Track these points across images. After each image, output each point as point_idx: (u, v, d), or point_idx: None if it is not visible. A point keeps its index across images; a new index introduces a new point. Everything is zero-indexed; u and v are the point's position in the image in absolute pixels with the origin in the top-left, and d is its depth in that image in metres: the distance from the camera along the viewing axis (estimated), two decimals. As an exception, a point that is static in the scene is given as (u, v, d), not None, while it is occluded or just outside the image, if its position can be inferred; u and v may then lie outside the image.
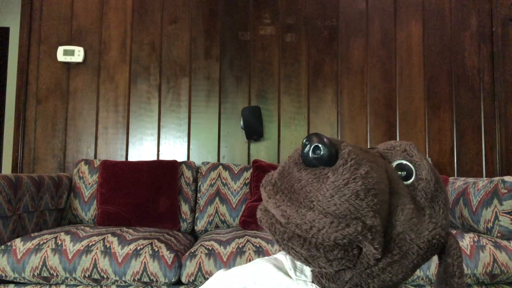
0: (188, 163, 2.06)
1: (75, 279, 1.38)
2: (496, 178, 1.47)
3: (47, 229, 1.70)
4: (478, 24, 2.40)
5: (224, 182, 1.99)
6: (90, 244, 1.40)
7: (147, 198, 1.85)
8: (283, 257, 0.64)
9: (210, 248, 1.42)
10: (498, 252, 1.38)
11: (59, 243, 1.40)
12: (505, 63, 2.37)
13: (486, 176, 2.32)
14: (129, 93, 2.29)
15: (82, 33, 2.31)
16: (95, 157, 2.25)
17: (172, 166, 1.97)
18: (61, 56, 2.26)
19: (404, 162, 0.56)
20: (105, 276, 1.37)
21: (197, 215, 1.97)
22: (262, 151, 2.29)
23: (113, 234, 1.47)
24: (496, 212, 1.44)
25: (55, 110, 2.27)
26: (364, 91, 2.35)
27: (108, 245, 1.40)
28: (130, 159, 2.26)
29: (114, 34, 2.32)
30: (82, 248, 1.39)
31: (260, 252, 1.40)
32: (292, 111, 2.32)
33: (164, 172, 1.93)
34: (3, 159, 3.43)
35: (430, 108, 2.35)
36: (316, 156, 0.48)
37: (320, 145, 0.48)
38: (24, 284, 1.42)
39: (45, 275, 1.37)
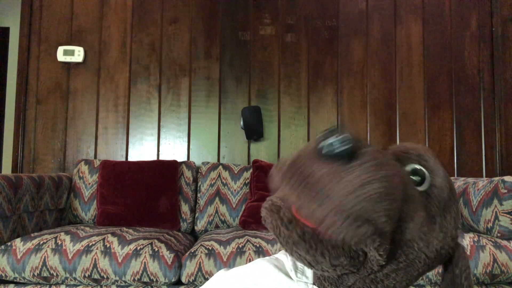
0: (188, 163, 2.06)
1: (75, 279, 1.38)
2: (496, 178, 1.47)
3: (47, 229, 1.70)
4: (478, 24, 2.40)
5: (224, 182, 1.99)
6: (90, 244, 1.40)
7: (147, 198, 1.85)
8: (284, 257, 0.64)
9: (210, 248, 1.42)
10: (498, 252, 1.38)
11: (59, 243, 1.40)
12: (505, 63, 2.37)
13: (486, 176, 2.32)
14: (129, 93, 2.29)
15: (82, 33, 2.31)
16: (95, 157, 2.26)
17: (172, 166, 1.97)
18: (61, 56, 2.26)
19: (419, 167, 0.53)
20: (105, 276, 1.37)
21: (197, 215, 1.97)
22: (262, 151, 2.29)
23: (113, 234, 1.47)
24: (496, 212, 1.44)
25: (55, 110, 2.27)
26: (364, 91, 2.35)
27: (108, 245, 1.40)
28: (130, 159, 2.26)
29: (114, 34, 2.32)
30: (82, 248, 1.39)
31: (260, 252, 1.40)
32: (292, 111, 2.32)
33: (164, 172, 1.93)
34: (3, 159, 3.43)
35: (430, 108, 2.35)
36: (340, 149, 0.45)
37: (345, 139, 0.45)
38: (24, 284, 1.42)
39: (45, 275, 1.37)
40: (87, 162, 2.03)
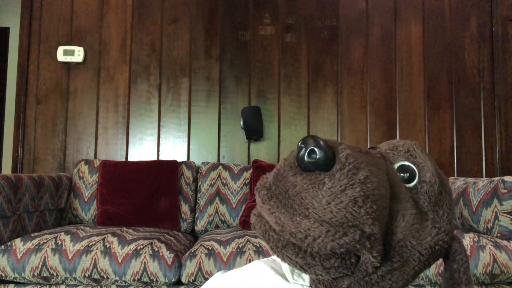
0: (188, 163, 2.06)
1: (75, 279, 1.38)
2: (496, 178, 1.47)
3: (47, 229, 1.70)
4: (478, 24, 2.40)
5: (224, 182, 1.99)
6: (90, 244, 1.40)
7: (147, 198, 1.85)
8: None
9: (210, 248, 1.42)
10: (498, 252, 1.38)
11: (59, 243, 1.40)
12: (505, 63, 2.37)
13: (486, 176, 2.32)
14: (129, 93, 2.29)
15: (82, 33, 2.31)
16: (95, 157, 2.25)
17: (172, 166, 1.97)
18: (61, 56, 2.26)
19: (407, 163, 0.52)
20: (105, 276, 1.37)
21: (197, 215, 1.97)
22: (262, 151, 2.29)
23: (113, 234, 1.47)
24: (496, 212, 1.44)
25: (55, 110, 2.27)
26: (364, 91, 2.35)
27: (108, 245, 1.40)
28: (130, 159, 2.26)
29: (114, 34, 2.32)
30: (82, 248, 1.39)
31: (260, 252, 1.40)
32: (292, 111, 2.32)
33: (164, 172, 1.93)
34: (3, 159, 3.43)
35: (430, 108, 2.35)
36: (312, 160, 0.45)
37: (315, 149, 0.45)
38: (24, 284, 1.42)
39: (45, 275, 1.37)
40: (87, 162, 2.03)
